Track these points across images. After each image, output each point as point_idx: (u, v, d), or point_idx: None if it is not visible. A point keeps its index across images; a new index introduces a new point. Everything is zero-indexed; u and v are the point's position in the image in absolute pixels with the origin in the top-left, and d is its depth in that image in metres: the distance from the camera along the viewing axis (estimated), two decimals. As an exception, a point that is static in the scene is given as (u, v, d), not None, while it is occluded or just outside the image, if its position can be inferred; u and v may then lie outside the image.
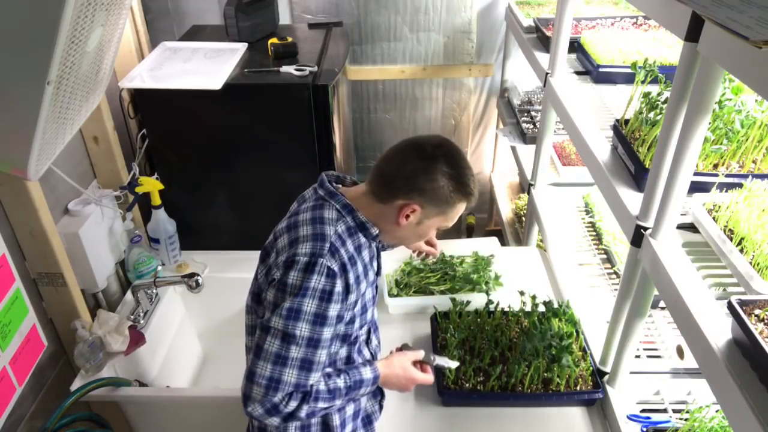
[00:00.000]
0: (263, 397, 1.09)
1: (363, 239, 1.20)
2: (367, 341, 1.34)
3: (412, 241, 1.27)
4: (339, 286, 1.11)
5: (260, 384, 1.09)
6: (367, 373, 1.22)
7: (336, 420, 1.27)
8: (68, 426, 1.59)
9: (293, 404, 1.11)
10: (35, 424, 1.65)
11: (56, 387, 1.75)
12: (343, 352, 1.25)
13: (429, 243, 1.54)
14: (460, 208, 1.21)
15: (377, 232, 1.20)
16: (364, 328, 1.29)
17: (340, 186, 1.25)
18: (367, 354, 1.33)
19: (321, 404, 1.14)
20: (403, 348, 1.36)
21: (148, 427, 1.85)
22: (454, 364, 1.39)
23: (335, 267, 1.10)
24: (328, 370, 1.20)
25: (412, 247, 1.53)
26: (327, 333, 1.11)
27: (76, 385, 1.69)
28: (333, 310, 1.11)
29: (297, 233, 1.13)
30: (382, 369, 1.26)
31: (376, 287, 1.33)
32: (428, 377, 1.33)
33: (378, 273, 1.31)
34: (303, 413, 1.12)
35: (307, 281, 1.08)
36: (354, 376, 1.20)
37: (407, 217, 1.16)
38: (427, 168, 1.14)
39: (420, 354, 1.34)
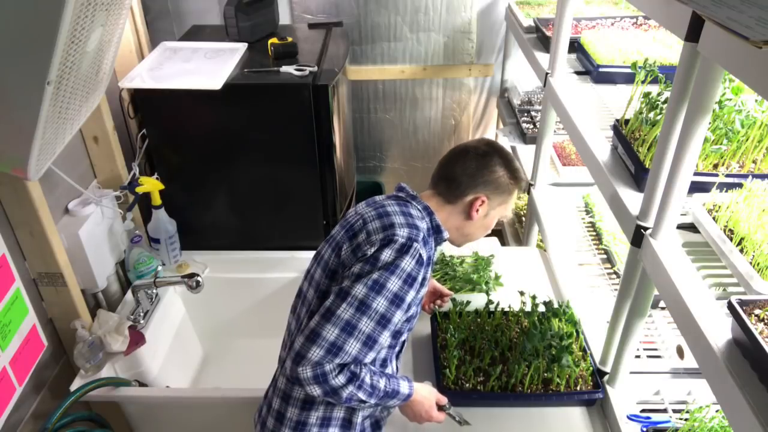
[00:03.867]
0: (320, 359, 1.10)
1: (432, 244, 1.27)
2: (398, 353, 1.36)
3: (480, 234, 1.36)
4: (421, 275, 1.18)
5: (322, 346, 1.10)
6: (404, 387, 1.25)
7: (359, 416, 1.30)
8: (68, 426, 1.59)
9: (341, 380, 1.12)
10: (35, 424, 1.65)
11: (56, 387, 1.75)
12: (383, 352, 1.27)
13: (441, 294, 1.68)
14: (516, 196, 1.35)
15: (448, 236, 1.30)
16: (407, 335, 1.33)
17: None
18: (395, 366, 1.35)
19: (361, 394, 1.16)
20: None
21: (148, 427, 1.86)
22: (464, 423, 1.39)
23: (424, 256, 1.18)
24: (374, 368, 1.22)
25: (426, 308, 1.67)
26: (398, 316, 1.15)
27: (75, 385, 1.69)
28: (410, 296, 1.16)
29: (391, 219, 1.20)
30: (415, 393, 1.28)
31: None
32: (441, 417, 1.36)
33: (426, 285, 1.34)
34: (344, 394, 1.14)
35: (400, 260, 1.13)
36: (393, 385, 1.22)
37: (477, 210, 1.28)
38: (486, 163, 1.29)
39: (443, 399, 1.37)
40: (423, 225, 1.23)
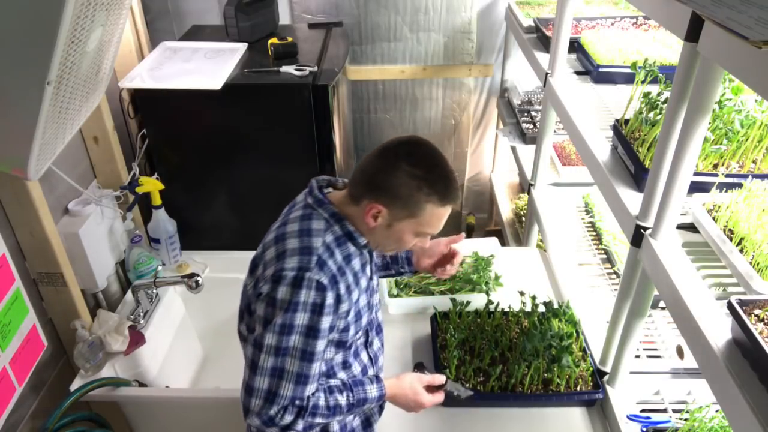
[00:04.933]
0: (260, 409, 1.10)
1: (352, 248, 1.18)
2: (366, 344, 1.32)
3: (390, 246, 1.20)
4: (330, 298, 1.09)
5: (259, 396, 1.10)
6: (372, 391, 1.22)
7: (335, 425, 1.27)
8: (68, 426, 1.59)
9: (288, 418, 1.11)
10: (35, 424, 1.65)
11: (56, 387, 1.75)
12: (338, 357, 1.24)
13: (449, 256, 1.46)
14: (435, 211, 1.12)
15: (366, 242, 1.18)
16: (360, 334, 1.27)
17: (331, 190, 1.23)
18: (365, 357, 1.31)
19: (318, 419, 1.15)
20: (417, 367, 1.35)
21: (148, 427, 1.85)
22: (465, 393, 1.36)
23: (324, 280, 1.08)
24: (332, 382, 1.20)
25: (426, 267, 1.48)
26: (320, 345, 1.12)
27: (75, 385, 1.69)
28: (325, 322, 1.10)
29: (284, 246, 1.12)
30: (390, 389, 1.25)
31: (375, 291, 1.32)
32: (437, 399, 1.31)
33: (372, 278, 1.29)
34: (299, 426, 1.13)
35: (296, 296, 1.07)
36: (358, 394, 1.20)
37: (375, 218, 1.12)
38: (385, 166, 1.10)
39: (437, 379, 1.32)
40: (325, 239, 1.12)
